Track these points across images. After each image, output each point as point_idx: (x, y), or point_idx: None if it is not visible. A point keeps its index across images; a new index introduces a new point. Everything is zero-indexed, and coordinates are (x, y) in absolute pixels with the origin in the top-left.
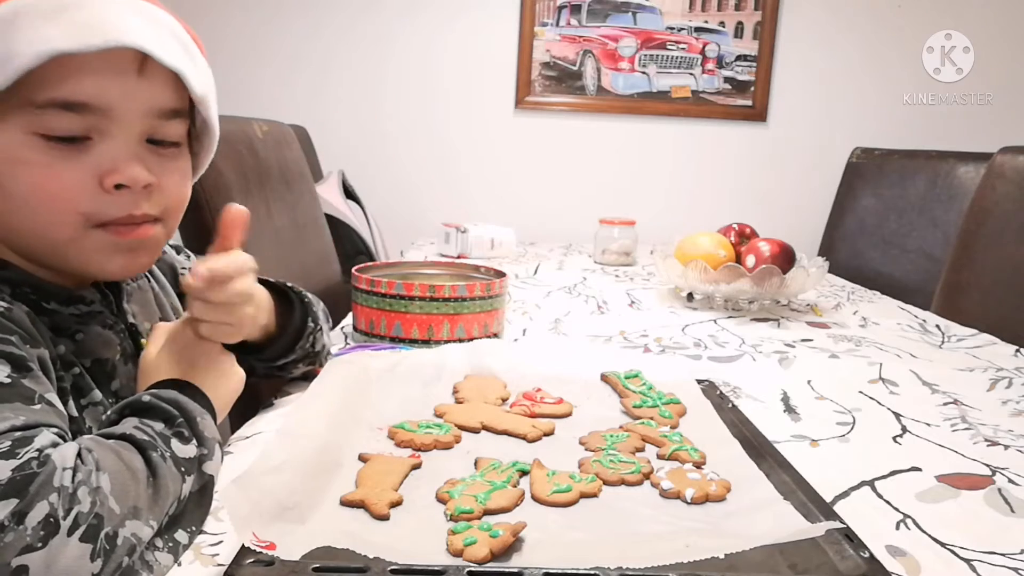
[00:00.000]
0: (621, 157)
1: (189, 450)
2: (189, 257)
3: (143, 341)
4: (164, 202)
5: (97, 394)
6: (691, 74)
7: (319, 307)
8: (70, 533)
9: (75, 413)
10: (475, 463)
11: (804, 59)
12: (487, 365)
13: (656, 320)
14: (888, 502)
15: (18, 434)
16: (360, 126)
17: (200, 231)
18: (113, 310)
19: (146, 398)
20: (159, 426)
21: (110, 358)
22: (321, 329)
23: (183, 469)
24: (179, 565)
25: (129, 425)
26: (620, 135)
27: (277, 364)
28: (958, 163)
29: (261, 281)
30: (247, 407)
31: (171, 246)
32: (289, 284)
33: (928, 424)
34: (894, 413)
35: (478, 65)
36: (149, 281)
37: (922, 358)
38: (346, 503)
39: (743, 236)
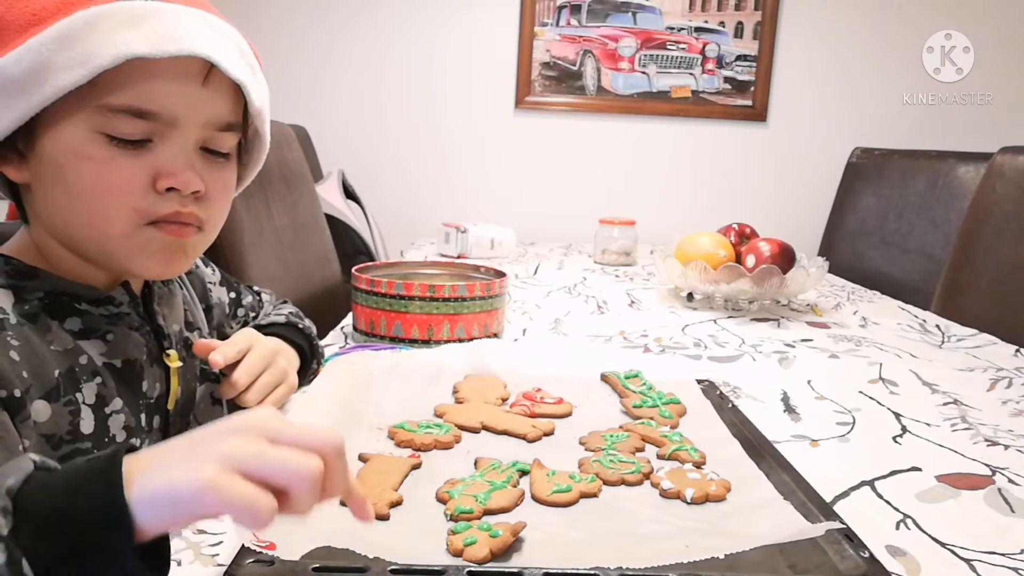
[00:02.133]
0: (621, 157)
1: None
2: (215, 271)
3: (165, 343)
4: (209, 210)
5: (119, 402)
6: (691, 74)
7: (313, 330)
8: None
9: (89, 429)
10: (475, 463)
11: (804, 59)
12: (487, 365)
13: (656, 320)
14: (888, 502)
15: None
16: (360, 126)
17: None
18: (140, 312)
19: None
20: None
21: (138, 359)
22: (319, 361)
23: None
24: (179, 564)
25: None
26: (620, 135)
27: None
28: (958, 163)
29: (268, 331)
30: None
31: (200, 259)
32: (292, 319)
33: (928, 424)
34: (894, 413)
35: (478, 65)
36: (182, 288)
37: (922, 358)
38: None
39: (743, 236)
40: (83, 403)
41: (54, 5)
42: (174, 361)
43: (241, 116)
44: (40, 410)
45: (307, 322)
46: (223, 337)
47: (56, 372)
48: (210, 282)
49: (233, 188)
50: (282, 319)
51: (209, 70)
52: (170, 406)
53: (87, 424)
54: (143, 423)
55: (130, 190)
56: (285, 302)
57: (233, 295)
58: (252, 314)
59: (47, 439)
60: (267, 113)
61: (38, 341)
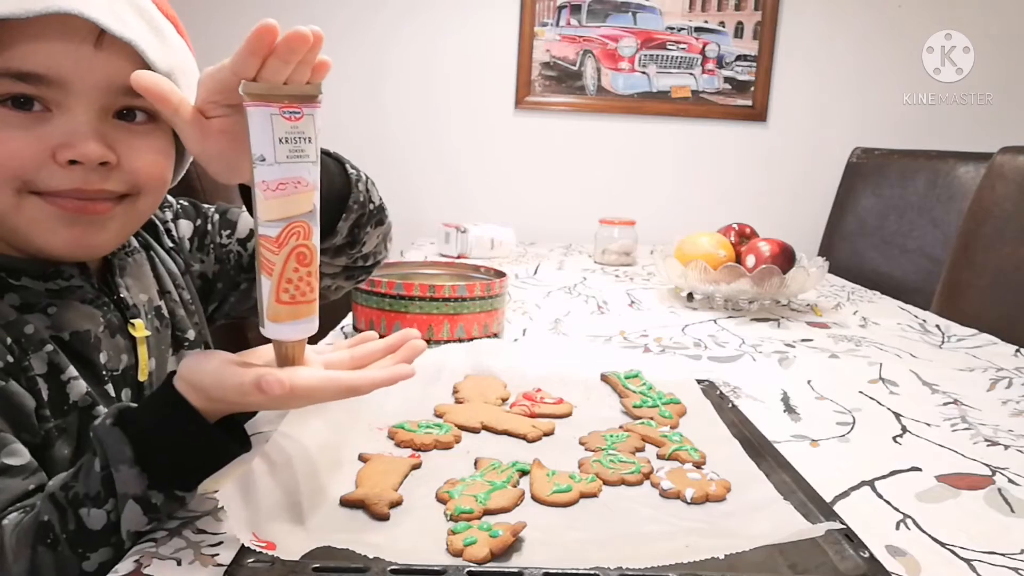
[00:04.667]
0: (621, 157)
1: (99, 518)
2: (171, 208)
3: (128, 314)
4: (131, 180)
5: (73, 369)
6: (691, 74)
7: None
8: None
9: (44, 397)
10: (475, 463)
11: (804, 59)
12: (487, 365)
13: (656, 320)
14: (888, 502)
15: None
16: (360, 126)
17: None
18: (94, 284)
19: (91, 433)
20: (86, 486)
21: (91, 330)
22: (367, 179)
23: (81, 549)
24: (179, 564)
25: (56, 486)
26: (620, 135)
27: (344, 237)
28: (958, 163)
29: None
30: None
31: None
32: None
33: (928, 424)
34: (894, 413)
35: (478, 65)
36: (154, 252)
37: (922, 358)
38: (346, 503)
39: (743, 236)
40: (35, 373)
41: None
42: (140, 331)
43: None
44: None
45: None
46: (199, 275)
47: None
48: (167, 226)
49: (168, 153)
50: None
51: (102, 31)
52: (142, 378)
53: (43, 392)
54: (111, 395)
55: (19, 162)
56: None
57: (199, 222)
58: (225, 231)
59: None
60: (184, 79)
61: None
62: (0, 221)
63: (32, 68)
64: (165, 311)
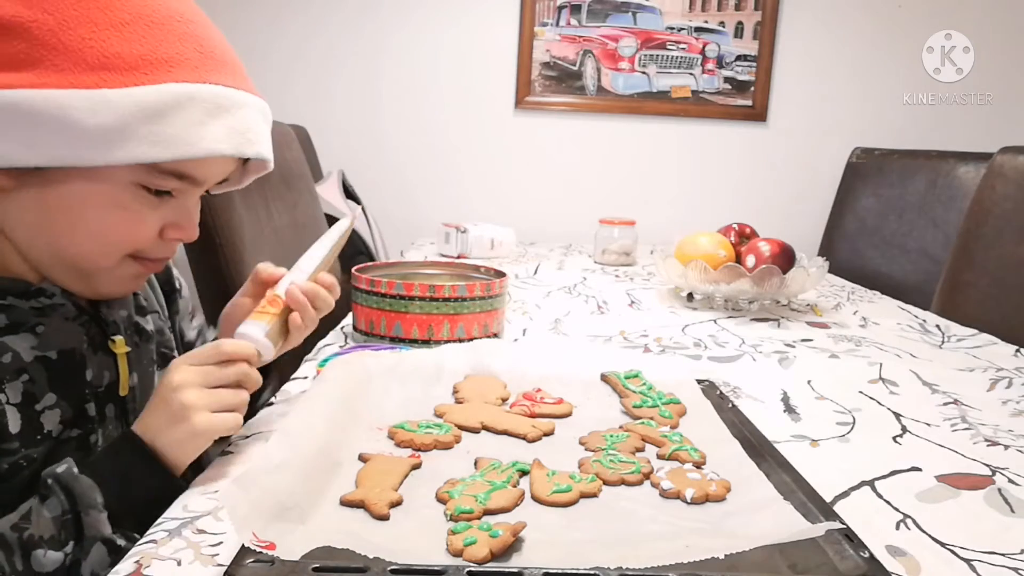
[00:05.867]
0: (621, 157)
1: (55, 560)
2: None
3: (109, 330)
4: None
5: (52, 397)
6: (691, 74)
7: None
8: None
9: (16, 428)
10: (475, 463)
11: (804, 59)
12: (487, 365)
13: (656, 320)
14: (888, 502)
15: None
16: (360, 126)
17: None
18: (75, 302)
19: (50, 480)
20: (41, 529)
21: (76, 347)
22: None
23: None
24: (179, 564)
25: (4, 527)
26: (620, 135)
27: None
28: (958, 163)
29: None
30: (247, 407)
31: None
32: None
33: (928, 424)
34: (894, 413)
35: (478, 65)
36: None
37: (922, 358)
38: (346, 503)
39: (743, 236)
40: (7, 403)
41: (132, 58)
42: (120, 347)
43: None
44: None
45: None
46: (179, 333)
47: None
48: (177, 273)
49: None
50: None
51: None
52: (123, 392)
53: (13, 423)
54: (92, 412)
55: (145, 239)
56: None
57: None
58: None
59: None
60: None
61: None
62: (83, 272)
63: (199, 176)
64: (148, 326)
